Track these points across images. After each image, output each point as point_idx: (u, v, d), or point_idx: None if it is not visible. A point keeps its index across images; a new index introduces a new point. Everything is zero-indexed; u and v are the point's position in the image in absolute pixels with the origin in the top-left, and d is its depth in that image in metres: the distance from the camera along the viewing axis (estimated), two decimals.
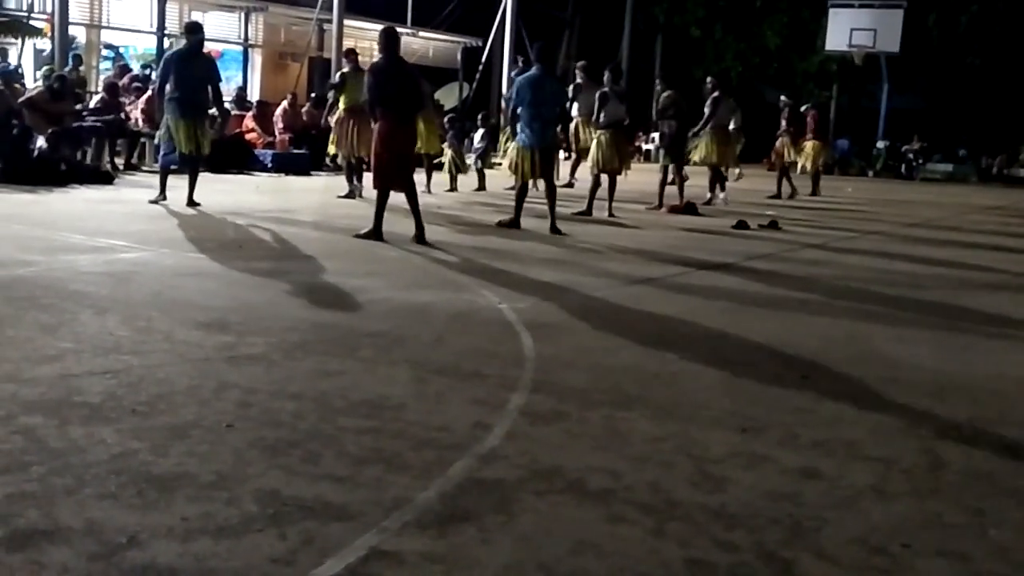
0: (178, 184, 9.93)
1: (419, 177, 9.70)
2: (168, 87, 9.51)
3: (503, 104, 13.67)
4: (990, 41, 26.80)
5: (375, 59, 8.19)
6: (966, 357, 4.85)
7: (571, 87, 13.75)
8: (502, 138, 14.31)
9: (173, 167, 10.01)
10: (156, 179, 10.43)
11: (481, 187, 14.04)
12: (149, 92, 13.47)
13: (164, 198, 9.76)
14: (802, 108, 16.60)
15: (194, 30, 9.96)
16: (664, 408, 3.66)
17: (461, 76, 25.97)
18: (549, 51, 10.01)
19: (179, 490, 2.62)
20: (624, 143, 11.29)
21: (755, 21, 29.43)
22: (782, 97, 16.66)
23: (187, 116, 9.53)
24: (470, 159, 14.84)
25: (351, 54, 12.31)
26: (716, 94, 13.38)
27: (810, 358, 4.59)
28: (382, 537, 2.42)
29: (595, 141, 11.10)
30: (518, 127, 9.21)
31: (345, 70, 11.91)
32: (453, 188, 13.75)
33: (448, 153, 14.26)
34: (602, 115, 10.91)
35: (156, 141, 10.32)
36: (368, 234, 7.93)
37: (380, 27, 8.49)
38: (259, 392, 3.58)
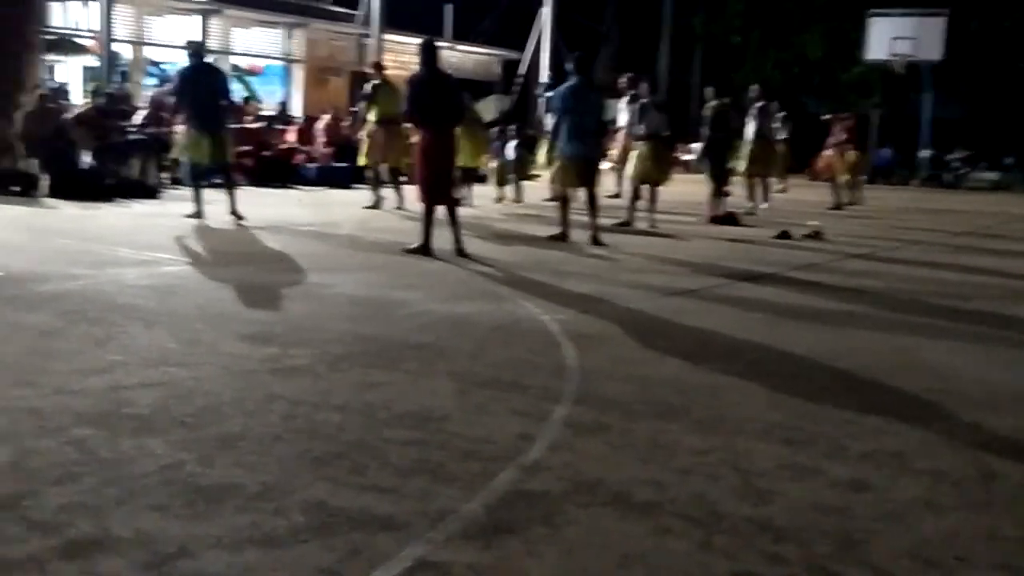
0: (216, 199, 10.05)
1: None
2: (183, 104, 9.71)
3: (545, 116, 13.73)
4: None
5: (415, 71, 8.22)
6: (1015, 368, 4.77)
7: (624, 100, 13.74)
8: (542, 149, 14.33)
9: (204, 183, 10.07)
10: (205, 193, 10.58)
11: (518, 199, 14.08)
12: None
13: (200, 215, 9.78)
14: (842, 116, 16.46)
15: (193, 46, 10.18)
16: (708, 420, 3.64)
17: (501, 88, 26.08)
18: (588, 62, 10.01)
19: (227, 501, 2.65)
20: (665, 154, 11.27)
21: (794, 31, 29.25)
22: (824, 116, 16.57)
23: (204, 129, 9.62)
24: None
25: (378, 67, 12.46)
26: (761, 103, 13.30)
27: (856, 370, 4.54)
28: (428, 548, 2.42)
29: (636, 152, 11.10)
30: (560, 138, 9.21)
31: (375, 82, 12.04)
32: (500, 199, 13.83)
33: (494, 165, 14.35)
34: (642, 126, 10.91)
35: (178, 156, 10.49)
36: (417, 249, 7.91)
37: (419, 41, 8.55)
38: (304, 404, 3.61)
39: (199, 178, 9.97)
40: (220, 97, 9.86)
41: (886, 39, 26.43)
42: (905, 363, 4.74)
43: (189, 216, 9.71)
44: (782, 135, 16.22)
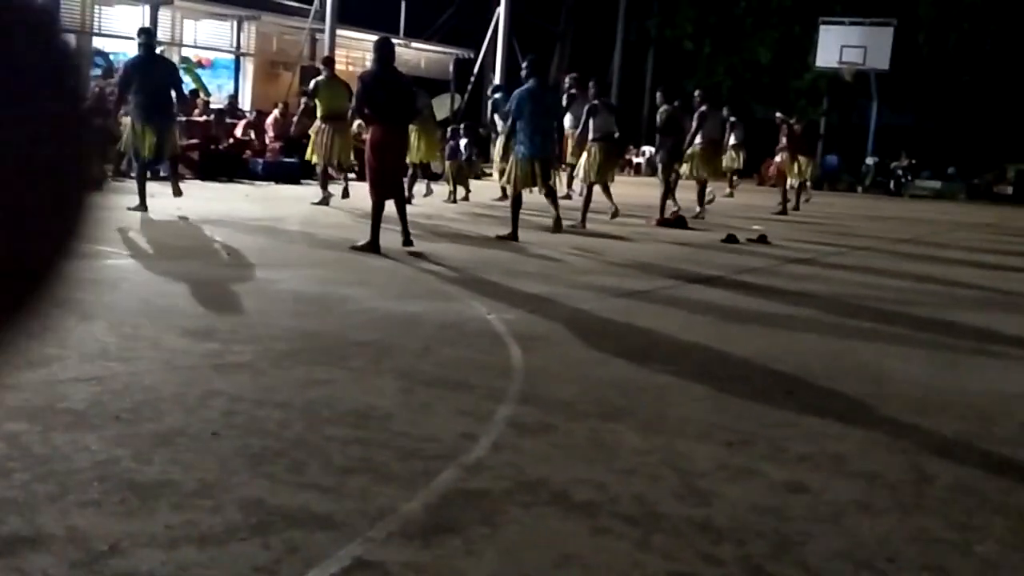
0: (160, 191, 9.91)
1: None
2: (129, 94, 9.51)
3: (495, 117, 13.82)
4: (979, 59, 26.99)
5: (368, 68, 8.24)
6: (953, 373, 4.87)
7: (564, 98, 13.83)
8: (493, 150, 14.37)
9: (147, 175, 9.92)
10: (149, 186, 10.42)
11: (466, 198, 14.09)
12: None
13: (143, 207, 9.59)
14: (792, 122, 16.69)
15: (145, 34, 9.94)
16: (651, 421, 3.66)
17: (453, 87, 26.04)
18: (542, 64, 10.09)
19: (163, 498, 2.61)
20: (614, 155, 11.40)
21: (746, 36, 29.60)
22: (778, 114, 16.75)
23: (151, 121, 9.44)
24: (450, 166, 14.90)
25: (329, 62, 12.41)
26: (703, 108, 13.46)
27: (797, 372, 4.60)
28: (366, 547, 2.41)
29: (586, 153, 11.19)
30: (517, 139, 9.29)
31: (320, 78, 11.97)
32: (451, 198, 13.82)
33: (447, 164, 14.34)
34: (591, 127, 11.00)
35: (121, 148, 10.26)
36: (365, 247, 7.87)
37: (373, 37, 8.54)
38: (245, 400, 3.56)
39: (144, 170, 9.81)
40: (170, 89, 9.64)
41: (836, 47, 26.88)
42: (845, 366, 4.81)
43: (133, 209, 9.54)
44: (734, 140, 16.42)
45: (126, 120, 9.87)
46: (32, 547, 2.28)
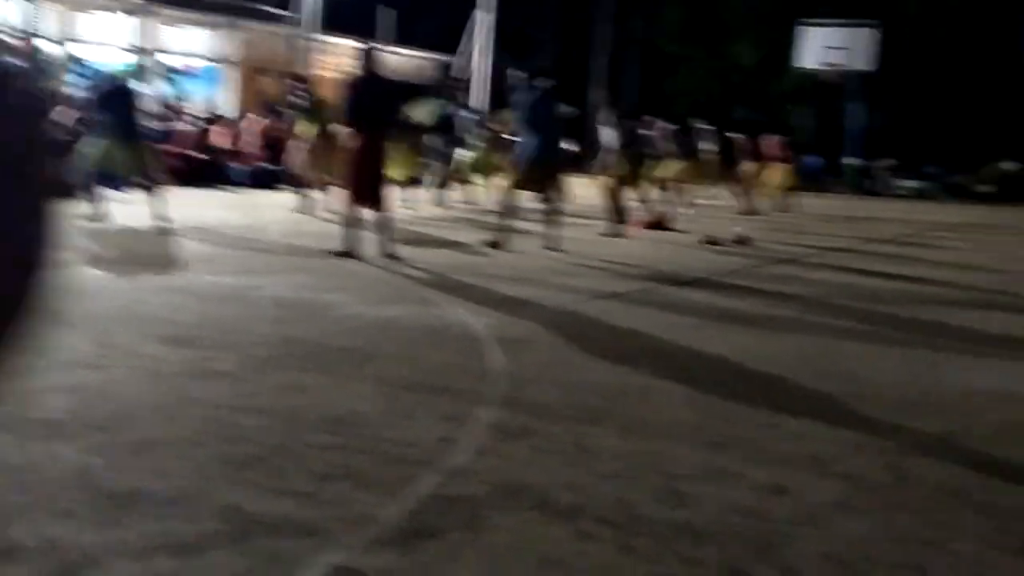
0: (139, 199, 9.83)
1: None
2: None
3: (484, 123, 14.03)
4: (960, 61, 27.19)
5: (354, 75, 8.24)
6: (933, 372, 4.89)
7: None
8: (478, 154, 14.42)
9: (106, 186, 9.84)
10: (125, 195, 10.33)
11: (444, 203, 14.14)
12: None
13: (100, 218, 9.53)
14: (764, 135, 16.95)
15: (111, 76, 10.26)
16: (632, 424, 3.65)
17: (436, 92, 26.00)
18: (547, 73, 10.18)
19: (139, 507, 2.58)
20: (640, 165, 11.65)
21: (728, 39, 29.71)
22: (732, 134, 17.00)
23: (122, 140, 9.46)
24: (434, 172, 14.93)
25: (309, 82, 12.99)
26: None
27: (778, 373, 4.61)
28: (346, 554, 2.39)
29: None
30: (525, 146, 9.30)
31: (314, 98, 12.27)
32: (437, 203, 13.86)
33: (435, 168, 14.42)
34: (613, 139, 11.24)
35: (86, 164, 10.16)
36: (343, 252, 7.85)
37: (354, 43, 8.57)
38: (224, 407, 3.54)
39: (102, 183, 9.72)
40: (135, 110, 9.76)
41: (818, 48, 27.01)
42: (825, 367, 4.82)
43: (91, 219, 9.44)
44: (710, 147, 16.56)
45: (92, 139, 9.74)
46: (6, 559, 2.25)
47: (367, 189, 7.91)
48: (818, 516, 2.81)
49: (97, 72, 10.13)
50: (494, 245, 9.17)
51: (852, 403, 4.13)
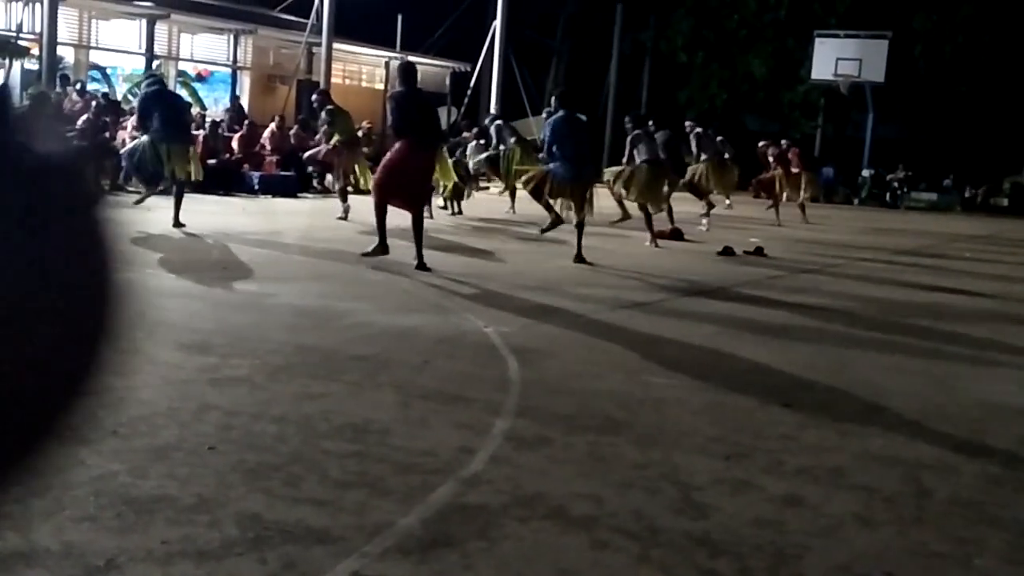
0: (160, 205, 9.91)
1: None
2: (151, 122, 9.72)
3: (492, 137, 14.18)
4: (975, 71, 27.08)
5: (395, 88, 8.41)
6: (951, 384, 4.87)
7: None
8: (501, 162, 14.44)
9: (160, 187, 10.11)
10: (146, 200, 10.43)
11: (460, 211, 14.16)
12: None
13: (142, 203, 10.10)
14: (782, 143, 16.85)
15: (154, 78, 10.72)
16: (649, 434, 3.65)
17: (449, 101, 26.08)
18: (571, 95, 10.22)
19: (159, 513, 2.60)
20: (661, 178, 11.55)
21: (740, 49, 29.69)
22: (760, 143, 16.95)
23: (174, 142, 9.67)
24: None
25: (326, 94, 13.27)
26: (699, 130, 13.78)
27: (795, 385, 4.60)
28: (363, 562, 2.40)
29: (634, 173, 11.24)
30: (553, 164, 9.32)
31: (331, 107, 12.45)
32: (457, 211, 13.87)
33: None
34: (638, 153, 11.14)
35: (123, 159, 10.47)
36: (375, 250, 7.92)
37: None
38: (241, 415, 3.56)
39: (151, 181, 10.02)
40: (186, 114, 10.38)
41: (831, 60, 26.96)
42: (843, 378, 4.81)
43: (138, 202, 10.18)
44: (727, 154, 16.51)
45: (143, 138, 9.88)
46: (27, 562, 2.27)
47: (406, 194, 7.91)
48: (836, 528, 2.81)
49: (149, 76, 10.37)
50: (551, 226, 9.30)
51: (870, 415, 4.12)
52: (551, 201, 9.41)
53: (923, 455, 3.59)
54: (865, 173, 27.74)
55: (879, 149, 27.97)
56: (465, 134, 16.49)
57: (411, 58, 24.94)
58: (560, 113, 9.45)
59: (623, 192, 11.21)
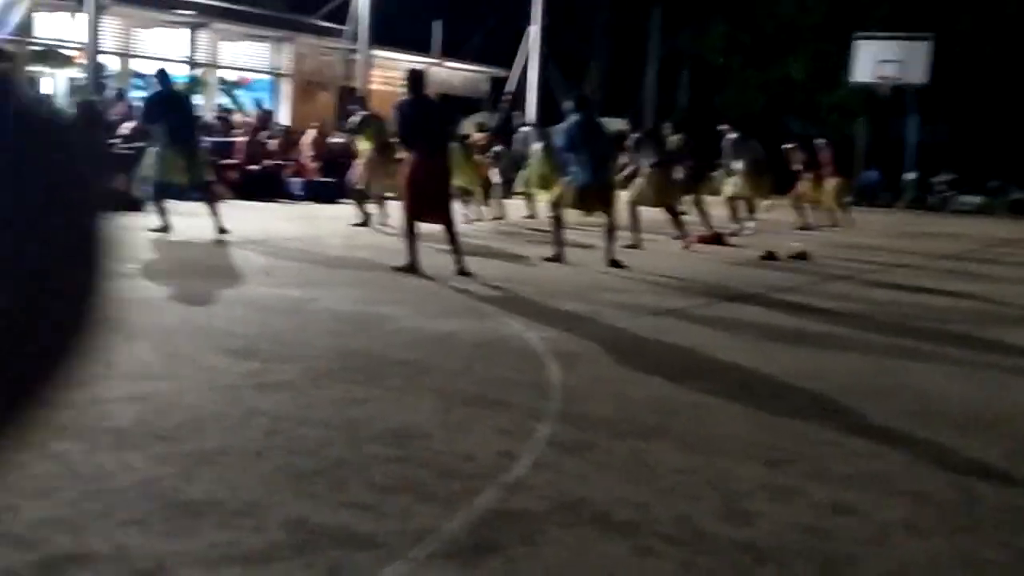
0: (201, 212, 10.00)
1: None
2: (156, 127, 9.77)
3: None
4: (1019, 72, 26.66)
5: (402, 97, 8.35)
6: (997, 391, 4.79)
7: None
8: (527, 172, 14.45)
9: (167, 198, 10.03)
10: (186, 207, 10.52)
11: (501, 215, 14.17)
12: None
13: (167, 229, 9.66)
14: (816, 142, 16.66)
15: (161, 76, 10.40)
16: (691, 440, 3.64)
17: (487, 106, 26.13)
18: (586, 99, 10.24)
19: (206, 517, 2.63)
20: (671, 180, 11.56)
21: (779, 52, 29.46)
22: (784, 146, 16.79)
23: (181, 148, 9.65)
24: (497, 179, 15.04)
25: (363, 101, 13.51)
26: (735, 135, 13.82)
27: (838, 391, 4.55)
28: (409, 567, 2.41)
29: (642, 177, 11.23)
30: (574, 168, 9.30)
31: (365, 113, 12.56)
32: (496, 216, 13.91)
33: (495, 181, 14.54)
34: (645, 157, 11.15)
35: (147, 175, 10.28)
36: (405, 268, 7.89)
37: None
38: (286, 419, 3.59)
39: (163, 194, 9.89)
40: (192, 118, 10.16)
41: (872, 62, 26.67)
42: (888, 385, 4.75)
43: (155, 231, 9.55)
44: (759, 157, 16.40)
45: (152, 149, 9.93)
46: (79, 565, 2.30)
47: (425, 205, 7.94)
48: (883, 536, 2.78)
49: (161, 80, 10.23)
50: (553, 259, 9.17)
51: (916, 421, 4.06)
52: (562, 235, 9.31)
53: (972, 462, 3.54)
54: (908, 176, 27.40)
55: (923, 152, 27.61)
56: (524, 128, 16.56)
57: (449, 64, 25.15)
58: (575, 117, 9.39)
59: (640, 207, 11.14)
